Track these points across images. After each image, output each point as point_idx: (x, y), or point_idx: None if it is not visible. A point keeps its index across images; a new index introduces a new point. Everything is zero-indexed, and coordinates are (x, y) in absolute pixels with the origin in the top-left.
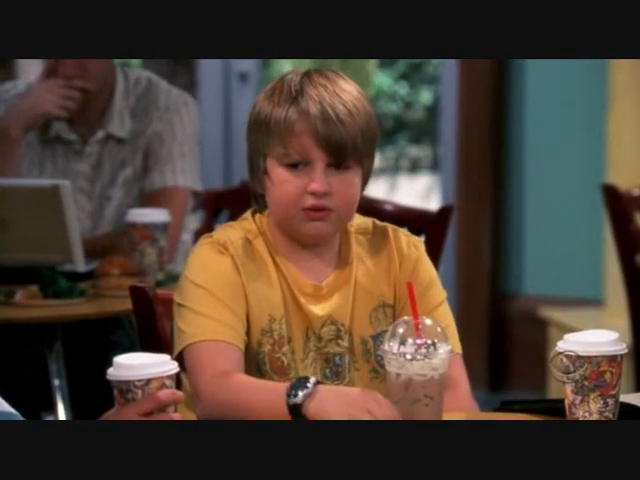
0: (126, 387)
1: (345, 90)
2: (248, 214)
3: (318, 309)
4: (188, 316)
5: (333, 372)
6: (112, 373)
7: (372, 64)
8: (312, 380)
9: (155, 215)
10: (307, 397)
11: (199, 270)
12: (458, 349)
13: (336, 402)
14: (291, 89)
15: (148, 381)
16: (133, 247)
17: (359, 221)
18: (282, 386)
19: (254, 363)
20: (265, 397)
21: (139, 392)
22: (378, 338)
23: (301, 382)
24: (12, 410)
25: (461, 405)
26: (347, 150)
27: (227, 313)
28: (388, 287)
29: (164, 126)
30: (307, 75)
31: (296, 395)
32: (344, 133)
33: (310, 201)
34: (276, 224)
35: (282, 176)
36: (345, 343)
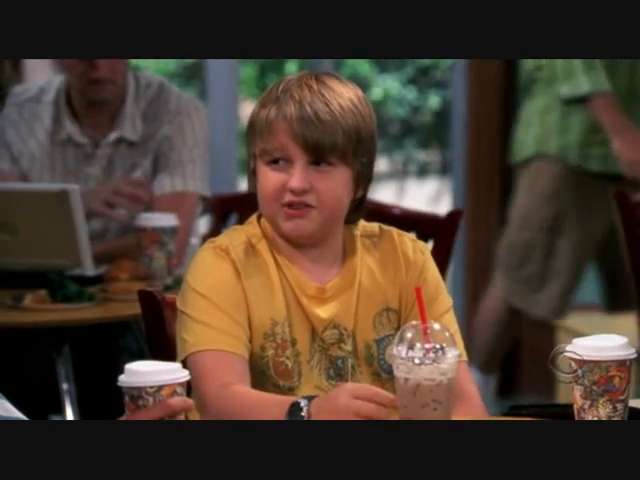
0: (137, 393)
1: (334, 91)
2: (253, 218)
3: (321, 312)
4: (190, 324)
5: (336, 373)
6: (123, 379)
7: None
8: (304, 403)
9: (164, 220)
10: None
11: (200, 276)
12: (464, 357)
13: (326, 416)
14: (278, 90)
15: (159, 388)
16: (142, 252)
17: (365, 224)
18: (286, 402)
19: (258, 368)
20: (269, 413)
21: (150, 399)
22: (381, 342)
23: (295, 407)
24: (20, 415)
25: (472, 411)
26: (326, 149)
27: (229, 322)
28: (393, 292)
29: (175, 130)
30: (300, 77)
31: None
32: (322, 132)
33: (288, 197)
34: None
35: (265, 173)
36: (348, 347)
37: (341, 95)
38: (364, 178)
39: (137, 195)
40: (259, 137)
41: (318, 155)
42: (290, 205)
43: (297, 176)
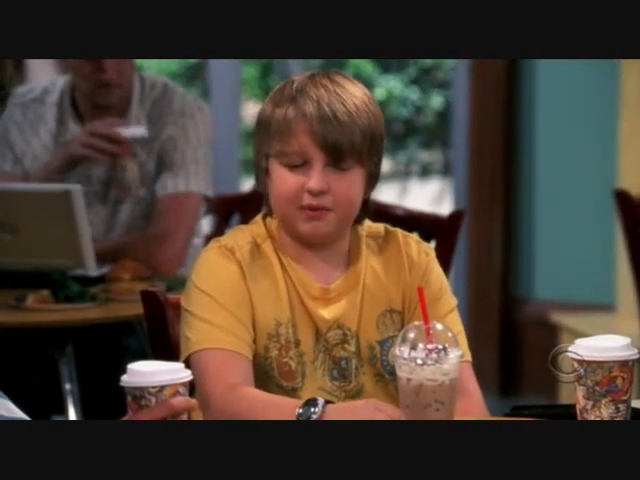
0: (140, 393)
1: (348, 91)
2: (259, 218)
3: (325, 312)
4: (193, 322)
5: (340, 374)
6: (126, 379)
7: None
8: (321, 401)
9: (134, 130)
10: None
11: (205, 276)
12: (468, 357)
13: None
14: (292, 90)
15: (162, 388)
16: (115, 162)
17: (370, 225)
18: (291, 404)
19: (262, 368)
20: (273, 415)
21: (153, 399)
22: (385, 343)
23: (310, 403)
24: (23, 415)
25: (474, 412)
26: (344, 149)
27: (233, 321)
28: (397, 293)
29: (178, 131)
30: (311, 76)
31: (309, 418)
32: (340, 132)
33: (307, 199)
34: (280, 225)
35: (281, 174)
36: (352, 348)
37: (354, 95)
38: (374, 178)
39: (114, 135)
40: (276, 137)
41: (336, 156)
42: (308, 207)
43: (316, 178)
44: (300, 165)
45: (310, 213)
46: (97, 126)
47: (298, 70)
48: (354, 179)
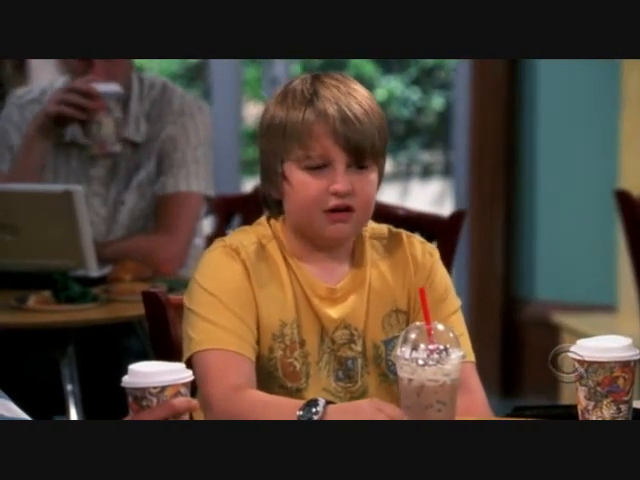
0: (141, 394)
1: (357, 90)
2: (263, 219)
3: (332, 312)
4: (196, 322)
5: (345, 375)
6: (127, 380)
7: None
8: (322, 402)
9: (108, 86)
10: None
11: (209, 275)
12: (471, 358)
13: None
14: (304, 92)
15: (163, 388)
16: (90, 118)
17: (374, 226)
18: (292, 404)
19: (266, 369)
20: (274, 415)
21: (154, 399)
22: (390, 343)
23: (311, 404)
24: (25, 416)
25: (478, 413)
26: (366, 149)
27: (236, 322)
28: (402, 293)
29: (178, 130)
30: (317, 78)
31: (310, 419)
32: (362, 132)
33: (333, 201)
34: (294, 228)
35: (302, 179)
36: (358, 347)
37: (364, 95)
38: (381, 178)
39: (88, 90)
40: (295, 141)
41: (358, 156)
42: (334, 209)
43: (341, 179)
44: (321, 167)
45: (335, 216)
46: (72, 83)
47: (285, 72)
48: (372, 179)
